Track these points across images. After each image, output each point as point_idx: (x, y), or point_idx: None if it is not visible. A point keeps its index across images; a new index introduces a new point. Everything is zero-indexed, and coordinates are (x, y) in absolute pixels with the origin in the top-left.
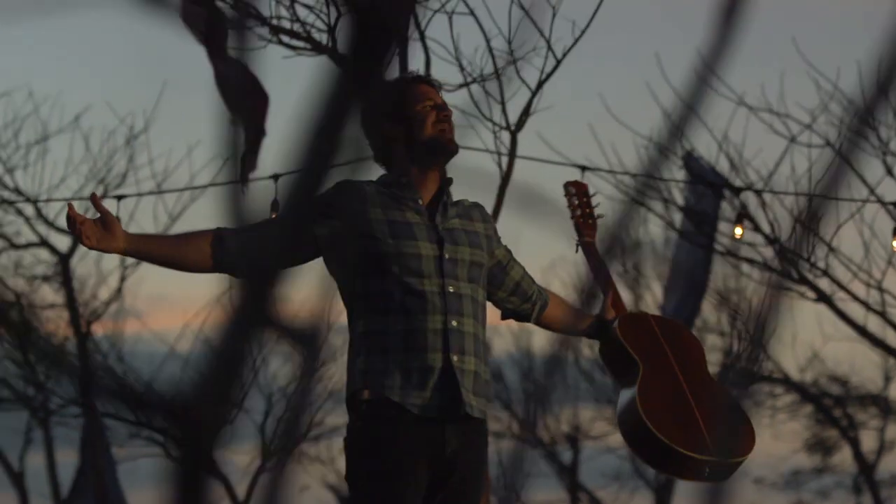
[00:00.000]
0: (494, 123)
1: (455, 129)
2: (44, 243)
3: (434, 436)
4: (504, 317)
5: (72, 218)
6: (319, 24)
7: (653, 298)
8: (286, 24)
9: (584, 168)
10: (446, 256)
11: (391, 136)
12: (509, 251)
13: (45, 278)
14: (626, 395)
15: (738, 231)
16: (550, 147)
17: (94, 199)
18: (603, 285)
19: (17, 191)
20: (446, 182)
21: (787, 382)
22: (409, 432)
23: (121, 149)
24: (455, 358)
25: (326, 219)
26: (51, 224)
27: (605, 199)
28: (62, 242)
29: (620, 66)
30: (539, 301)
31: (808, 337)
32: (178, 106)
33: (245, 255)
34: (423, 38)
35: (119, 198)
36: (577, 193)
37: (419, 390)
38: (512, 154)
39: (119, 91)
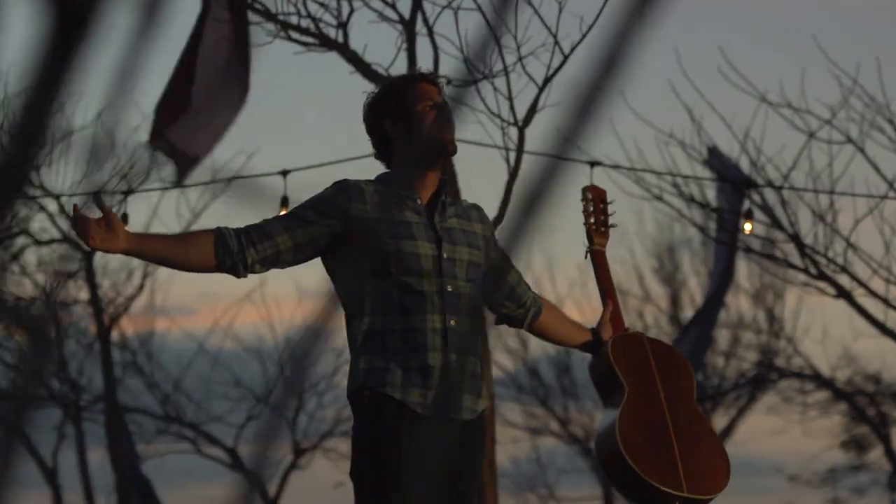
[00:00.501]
0: (502, 120)
1: (455, 128)
2: (67, 240)
3: (435, 431)
4: (498, 321)
5: (76, 217)
6: (328, 18)
7: (689, 297)
8: (294, 19)
9: (594, 164)
10: (444, 256)
11: (391, 135)
12: (506, 255)
13: (70, 275)
14: (607, 419)
15: (748, 226)
16: (574, 143)
17: (98, 198)
18: (605, 297)
19: (42, 187)
20: (444, 182)
21: (818, 379)
22: (411, 428)
23: (144, 145)
24: (454, 357)
25: (326, 218)
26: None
27: (623, 195)
28: None
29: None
30: (533, 308)
31: (839, 333)
32: None
33: (246, 256)
34: (431, 33)
35: (126, 193)
36: (594, 199)
37: (420, 388)
38: (520, 150)
39: (142, 87)
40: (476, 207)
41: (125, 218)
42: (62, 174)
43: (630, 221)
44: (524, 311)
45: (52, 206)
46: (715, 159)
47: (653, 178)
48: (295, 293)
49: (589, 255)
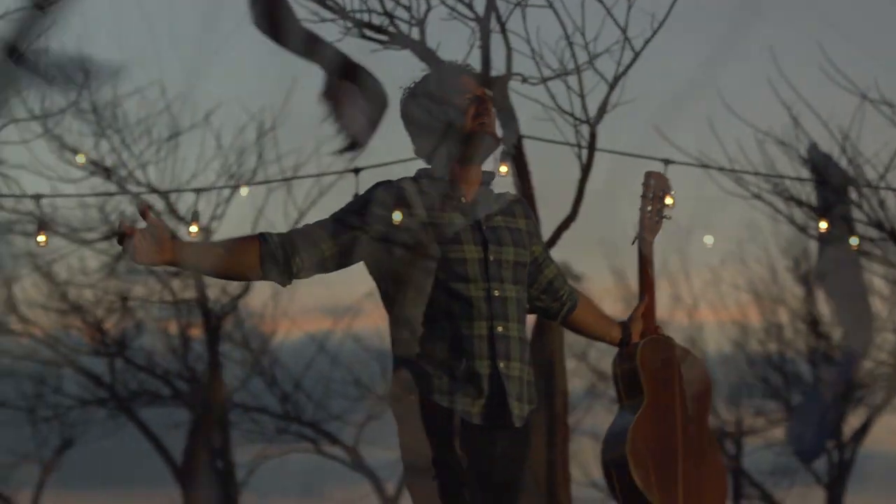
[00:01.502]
0: (574, 117)
1: (496, 121)
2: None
3: (482, 437)
4: (530, 311)
5: (121, 230)
6: (400, 13)
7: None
8: (366, 16)
9: (667, 161)
10: (491, 258)
11: (431, 129)
12: (546, 248)
13: (177, 274)
14: (621, 422)
15: (823, 225)
16: (668, 140)
17: (144, 210)
18: (643, 290)
19: (149, 185)
20: (489, 176)
21: None
22: (460, 435)
23: (251, 145)
24: (502, 364)
25: (370, 224)
26: (181, 219)
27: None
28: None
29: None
30: (569, 302)
31: None
32: (307, 102)
33: (291, 265)
34: (504, 30)
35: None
36: (656, 187)
37: (467, 396)
38: (591, 147)
39: (250, 88)
40: (520, 201)
41: (196, 216)
42: (169, 172)
43: (764, 222)
44: (559, 304)
45: (159, 204)
46: (816, 157)
47: (751, 177)
48: None
49: (637, 243)
